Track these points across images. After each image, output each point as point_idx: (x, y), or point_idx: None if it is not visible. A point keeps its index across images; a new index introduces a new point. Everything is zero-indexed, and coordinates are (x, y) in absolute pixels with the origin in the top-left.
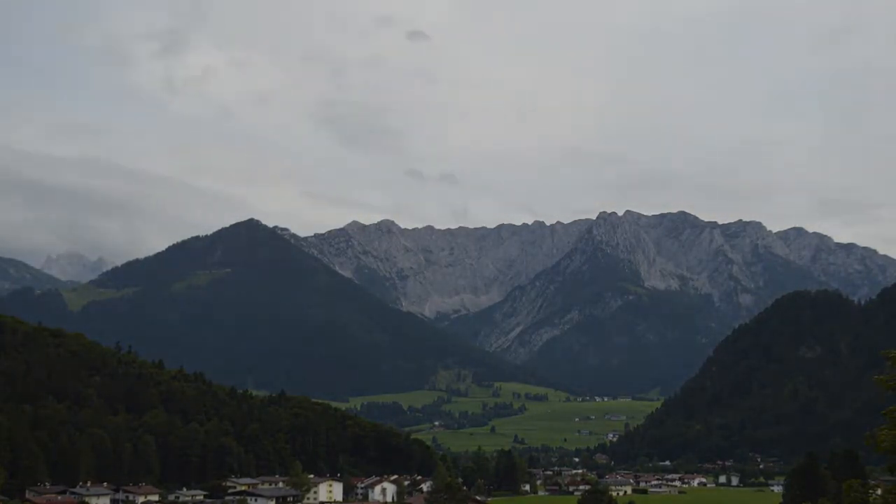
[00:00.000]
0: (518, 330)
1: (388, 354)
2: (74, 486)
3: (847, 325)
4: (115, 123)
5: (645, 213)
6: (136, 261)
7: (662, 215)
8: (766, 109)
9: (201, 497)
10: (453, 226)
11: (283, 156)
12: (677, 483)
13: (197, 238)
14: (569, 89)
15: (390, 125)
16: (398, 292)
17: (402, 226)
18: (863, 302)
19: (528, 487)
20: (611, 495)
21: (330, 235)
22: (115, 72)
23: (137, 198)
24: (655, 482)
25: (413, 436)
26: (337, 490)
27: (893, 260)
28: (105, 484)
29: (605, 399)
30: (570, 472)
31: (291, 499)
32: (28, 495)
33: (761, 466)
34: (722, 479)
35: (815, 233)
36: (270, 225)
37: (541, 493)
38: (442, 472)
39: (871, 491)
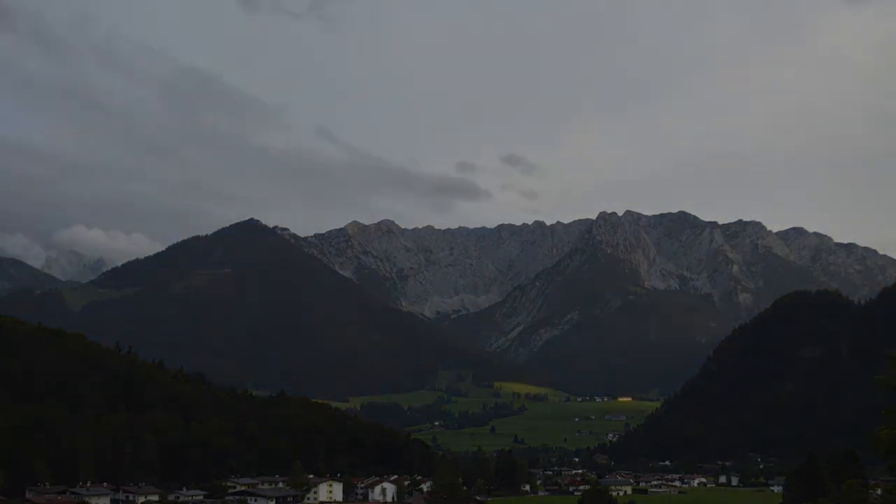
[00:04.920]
0: (518, 330)
1: (388, 354)
2: (74, 486)
3: (847, 325)
4: None
5: (645, 213)
6: (136, 261)
7: (662, 215)
8: None
9: (201, 497)
10: (453, 226)
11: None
12: (677, 483)
13: (197, 238)
14: None
15: None
16: (398, 292)
17: (402, 226)
18: (863, 302)
19: (528, 487)
20: (611, 495)
21: (330, 235)
22: None
23: None
24: (655, 482)
25: (413, 436)
26: (337, 490)
27: (893, 260)
28: (105, 484)
29: (605, 399)
30: (570, 472)
31: (291, 499)
32: (28, 495)
33: (761, 466)
34: (722, 479)
35: (815, 233)
36: (270, 225)
37: (541, 493)
38: (442, 472)
39: (871, 491)
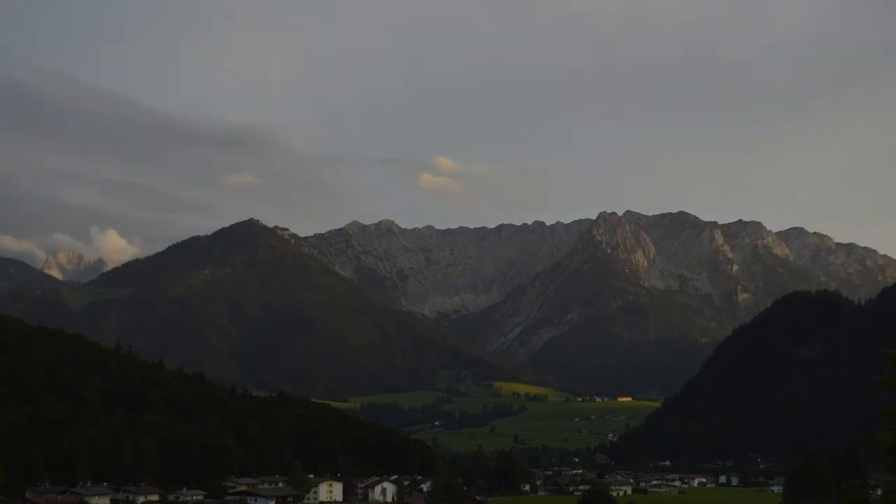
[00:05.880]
0: (518, 330)
1: (388, 354)
2: (74, 486)
3: (847, 325)
4: None
5: (645, 213)
6: (136, 261)
7: (662, 215)
8: None
9: (201, 497)
10: (453, 226)
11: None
12: (677, 483)
13: (197, 238)
14: None
15: None
16: (398, 292)
17: (402, 226)
18: (863, 302)
19: (528, 487)
20: (611, 495)
21: (330, 235)
22: None
23: None
24: (655, 482)
25: (413, 436)
26: (337, 490)
27: (893, 260)
28: (105, 484)
29: (605, 399)
30: (570, 472)
31: (291, 499)
32: (28, 495)
33: (761, 466)
34: (722, 479)
35: (815, 233)
36: (270, 225)
37: (541, 493)
38: (442, 472)
39: (871, 491)
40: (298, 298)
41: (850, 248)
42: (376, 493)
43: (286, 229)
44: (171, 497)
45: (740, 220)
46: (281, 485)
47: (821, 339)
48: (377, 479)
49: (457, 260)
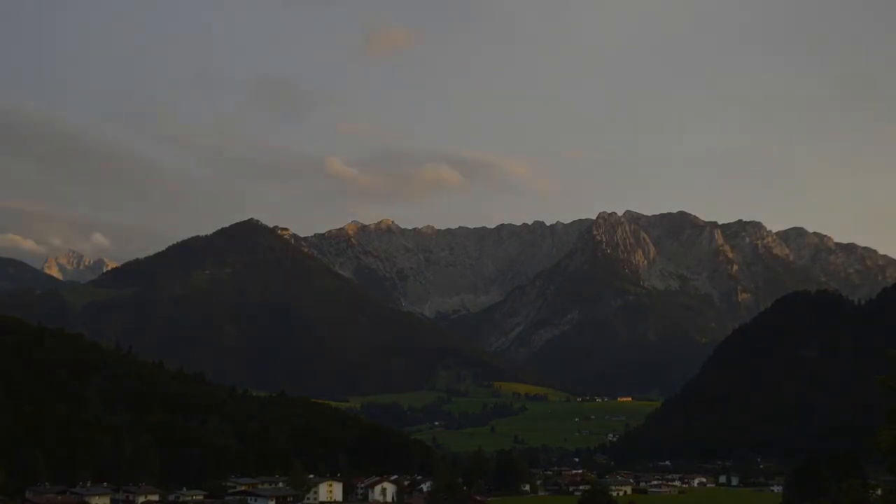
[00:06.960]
0: (518, 330)
1: (388, 354)
2: (74, 486)
3: (847, 325)
4: None
5: (645, 213)
6: (136, 261)
7: (662, 215)
8: None
9: (201, 497)
10: (453, 226)
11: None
12: (677, 483)
13: (197, 238)
14: None
15: None
16: (398, 292)
17: (402, 226)
18: (863, 302)
19: (528, 487)
20: (611, 495)
21: (330, 235)
22: None
23: None
24: (655, 482)
25: (413, 436)
26: (337, 490)
27: (893, 260)
28: (105, 484)
29: (605, 399)
30: (570, 472)
31: (291, 499)
32: (28, 495)
33: (761, 466)
34: (722, 479)
35: (815, 233)
36: (270, 225)
37: (541, 493)
38: (442, 472)
39: (871, 491)
40: (298, 298)
41: (850, 248)
42: (376, 493)
43: (286, 229)
44: (171, 497)
45: (740, 220)
46: (281, 485)
47: (821, 339)
48: (377, 479)
49: (457, 260)
